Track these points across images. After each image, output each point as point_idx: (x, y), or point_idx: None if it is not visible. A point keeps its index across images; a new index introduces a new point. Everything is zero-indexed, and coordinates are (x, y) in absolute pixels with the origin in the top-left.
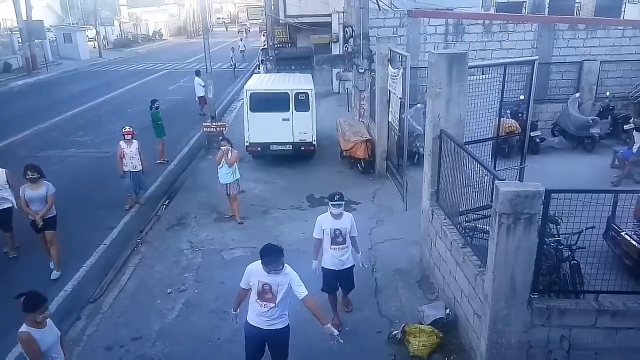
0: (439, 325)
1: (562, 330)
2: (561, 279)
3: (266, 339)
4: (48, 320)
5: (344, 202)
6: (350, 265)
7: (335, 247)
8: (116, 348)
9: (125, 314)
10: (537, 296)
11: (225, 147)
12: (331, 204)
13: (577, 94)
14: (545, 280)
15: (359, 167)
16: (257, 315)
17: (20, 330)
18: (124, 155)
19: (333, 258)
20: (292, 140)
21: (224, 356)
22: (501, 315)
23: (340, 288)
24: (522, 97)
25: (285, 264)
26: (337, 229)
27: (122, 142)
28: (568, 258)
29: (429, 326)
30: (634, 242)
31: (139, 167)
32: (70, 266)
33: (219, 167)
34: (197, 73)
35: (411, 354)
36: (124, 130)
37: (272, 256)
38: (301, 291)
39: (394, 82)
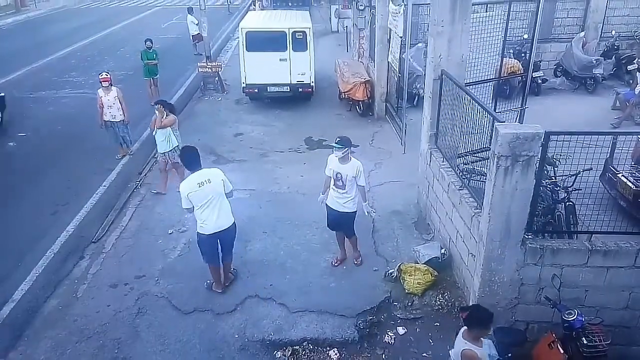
0: (434, 264)
1: (554, 269)
2: (556, 220)
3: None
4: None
5: (343, 147)
6: (348, 211)
7: (336, 189)
8: (121, 285)
9: (128, 253)
10: (531, 236)
11: (159, 111)
12: (333, 145)
13: (582, 33)
14: (540, 221)
15: (358, 109)
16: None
17: (463, 348)
18: (102, 104)
19: (332, 198)
20: (289, 82)
21: (225, 293)
22: (495, 254)
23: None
24: (525, 36)
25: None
26: (338, 173)
27: (100, 90)
28: (564, 199)
29: (424, 265)
30: (629, 184)
31: (119, 118)
32: (71, 207)
33: (153, 134)
34: (190, 11)
35: (406, 290)
36: (100, 77)
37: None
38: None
39: (395, 19)
